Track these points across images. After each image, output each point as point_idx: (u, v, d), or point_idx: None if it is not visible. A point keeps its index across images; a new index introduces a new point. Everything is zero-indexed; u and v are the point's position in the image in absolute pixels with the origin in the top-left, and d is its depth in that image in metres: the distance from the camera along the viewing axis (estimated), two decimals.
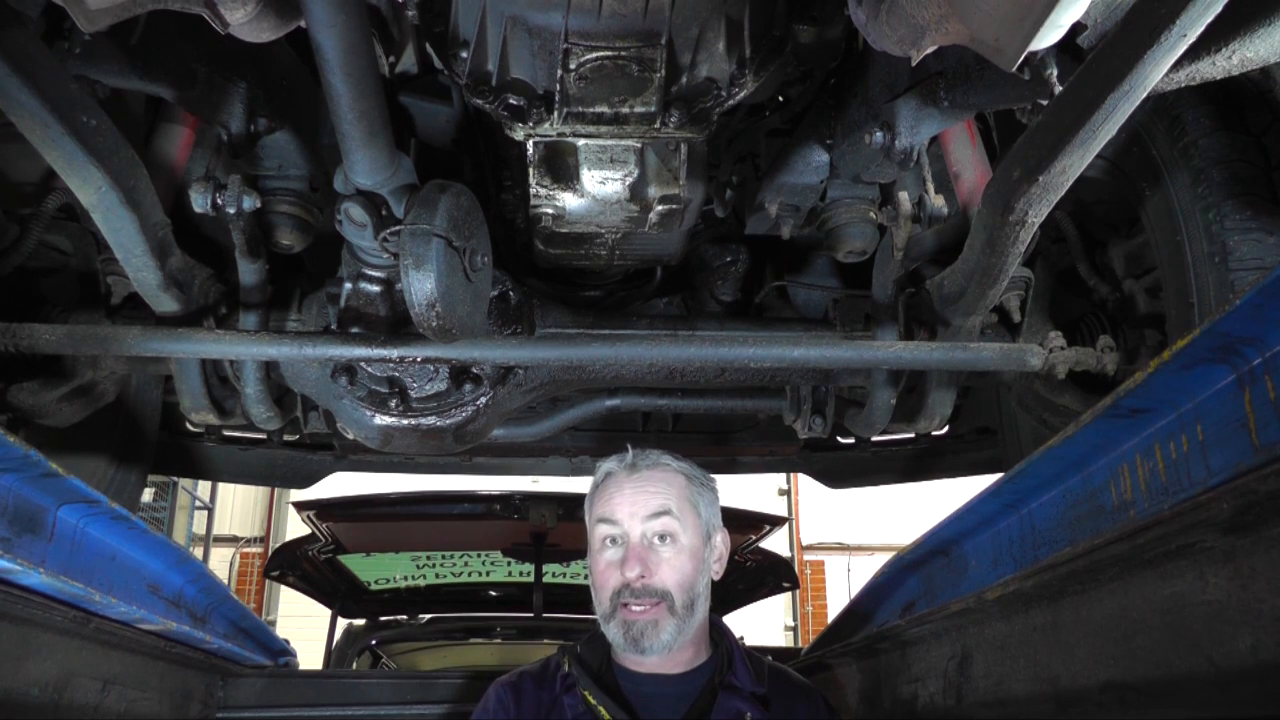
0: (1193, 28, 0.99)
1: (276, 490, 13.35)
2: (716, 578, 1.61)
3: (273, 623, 11.43)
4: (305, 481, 3.19)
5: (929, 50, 1.15)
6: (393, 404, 1.97)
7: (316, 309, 2.05)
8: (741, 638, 1.71)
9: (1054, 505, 1.27)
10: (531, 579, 4.00)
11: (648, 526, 1.53)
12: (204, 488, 13.06)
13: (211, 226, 2.00)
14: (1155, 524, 0.92)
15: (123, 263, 1.74)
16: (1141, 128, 1.76)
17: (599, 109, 1.56)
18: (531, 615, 4.07)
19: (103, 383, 2.19)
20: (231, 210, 1.72)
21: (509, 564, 4.12)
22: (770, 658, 1.70)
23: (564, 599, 4.22)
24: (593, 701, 1.49)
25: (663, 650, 1.49)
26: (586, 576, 1.63)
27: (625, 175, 1.64)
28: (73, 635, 1.46)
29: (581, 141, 1.60)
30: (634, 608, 1.49)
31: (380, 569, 4.38)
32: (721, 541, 1.64)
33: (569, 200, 1.68)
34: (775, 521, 3.68)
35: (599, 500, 1.59)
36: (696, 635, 1.56)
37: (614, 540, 1.54)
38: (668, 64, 1.53)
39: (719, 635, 1.63)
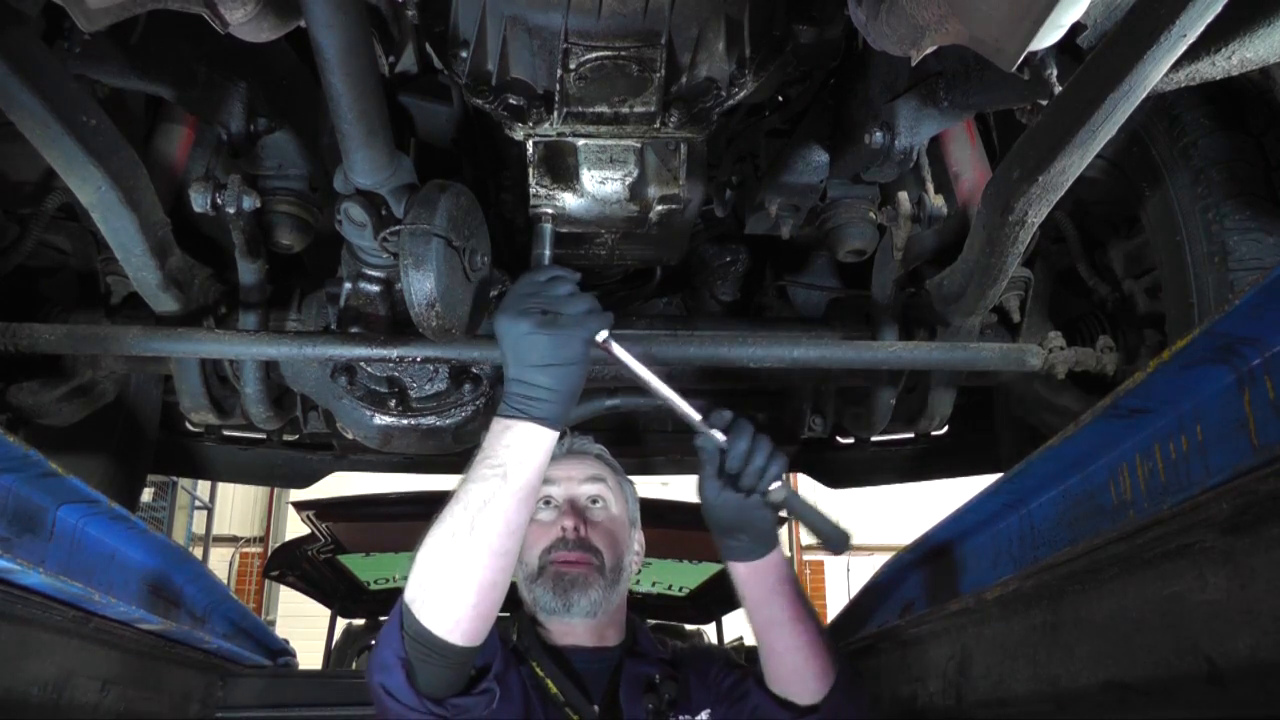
0: (1193, 28, 0.98)
1: (276, 490, 13.35)
2: (635, 570, 1.70)
3: (272, 623, 11.43)
4: (305, 481, 3.18)
5: (929, 50, 1.15)
6: (392, 404, 1.97)
7: (316, 309, 2.05)
8: (740, 638, 1.75)
9: (1053, 505, 1.27)
10: None
11: (583, 489, 1.64)
12: (204, 487, 13.06)
13: (211, 226, 2.00)
14: (1155, 524, 0.92)
15: (122, 262, 1.74)
16: (1141, 128, 1.76)
17: (599, 109, 1.55)
18: None
19: (102, 382, 2.19)
20: (231, 210, 1.72)
21: None
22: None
23: None
24: (540, 674, 1.52)
25: (588, 611, 1.54)
26: None
27: (625, 175, 1.63)
28: (72, 635, 1.46)
29: (581, 141, 1.59)
30: (568, 557, 1.56)
31: (380, 569, 4.38)
32: (639, 541, 1.73)
33: (568, 200, 1.68)
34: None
35: None
36: (616, 614, 1.63)
37: (548, 501, 1.62)
38: (667, 64, 1.53)
39: (630, 623, 1.70)
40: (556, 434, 1.30)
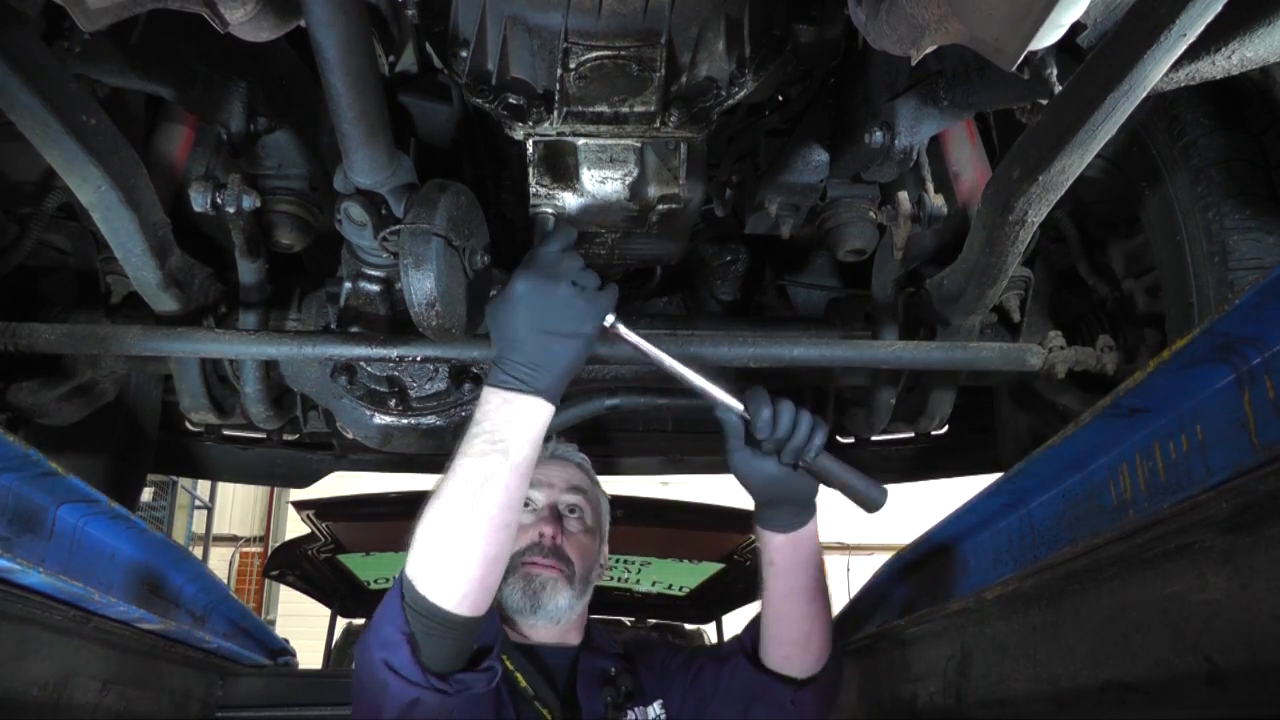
0: (1193, 28, 0.98)
1: (276, 490, 13.34)
2: (598, 580, 1.72)
3: (272, 622, 11.43)
4: (305, 481, 3.19)
5: (929, 50, 1.15)
6: (392, 403, 1.97)
7: (316, 308, 2.05)
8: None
9: (1053, 505, 1.27)
10: None
11: (563, 497, 1.68)
12: (203, 487, 13.05)
13: (211, 226, 2.00)
14: (1155, 523, 0.92)
15: (122, 262, 1.74)
16: (1141, 127, 1.76)
17: (599, 108, 1.55)
18: None
19: (102, 382, 2.19)
20: (231, 209, 1.72)
21: None
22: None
23: None
24: (510, 667, 1.53)
25: (554, 616, 1.58)
26: None
27: (625, 175, 1.63)
28: (72, 634, 1.46)
29: (581, 141, 1.59)
30: (540, 562, 1.59)
31: (379, 568, 4.37)
32: (604, 554, 1.77)
33: (568, 199, 1.68)
34: None
35: None
36: (579, 619, 1.67)
37: (528, 503, 1.64)
38: (667, 63, 1.53)
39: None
40: (553, 408, 1.30)
